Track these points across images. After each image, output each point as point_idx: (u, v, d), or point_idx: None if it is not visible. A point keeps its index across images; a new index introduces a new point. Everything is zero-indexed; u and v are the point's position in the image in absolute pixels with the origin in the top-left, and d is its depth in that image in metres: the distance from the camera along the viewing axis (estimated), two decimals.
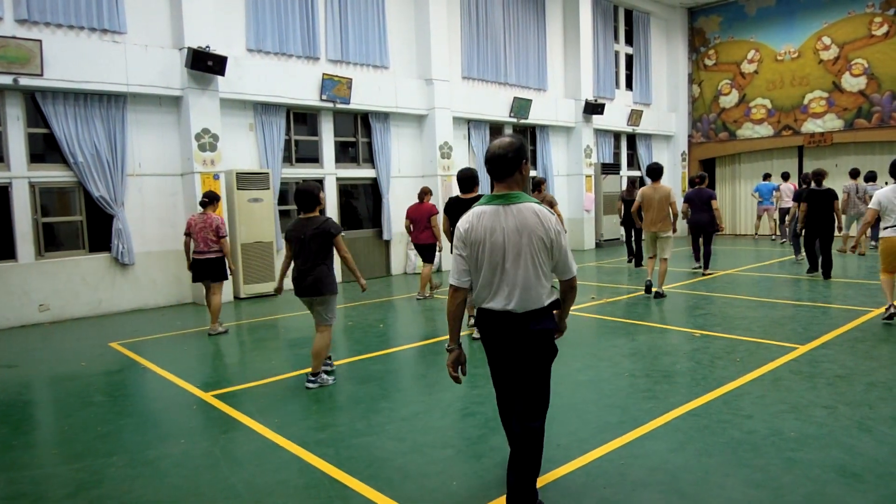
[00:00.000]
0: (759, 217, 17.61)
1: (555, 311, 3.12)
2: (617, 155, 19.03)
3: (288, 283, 6.14)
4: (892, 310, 6.83)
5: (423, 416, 4.62)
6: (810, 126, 17.76)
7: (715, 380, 5.14)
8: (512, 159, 3.00)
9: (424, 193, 10.03)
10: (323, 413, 4.79)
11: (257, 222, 10.72)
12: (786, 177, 15.86)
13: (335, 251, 5.52)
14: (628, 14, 19.10)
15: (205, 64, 9.75)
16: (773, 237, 17.70)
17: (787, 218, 14.55)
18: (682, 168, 20.51)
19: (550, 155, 16.48)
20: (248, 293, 10.63)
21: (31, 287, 9.00)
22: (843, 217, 12.79)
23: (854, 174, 12.99)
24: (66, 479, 3.80)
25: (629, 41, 19.24)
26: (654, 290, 9.21)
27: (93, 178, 9.36)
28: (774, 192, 16.38)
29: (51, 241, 9.45)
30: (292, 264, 5.63)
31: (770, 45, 18.47)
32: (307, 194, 5.48)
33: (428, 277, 9.93)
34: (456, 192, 8.85)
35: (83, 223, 9.64)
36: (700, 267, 11.67)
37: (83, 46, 9.08)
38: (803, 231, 10.70)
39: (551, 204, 10.01)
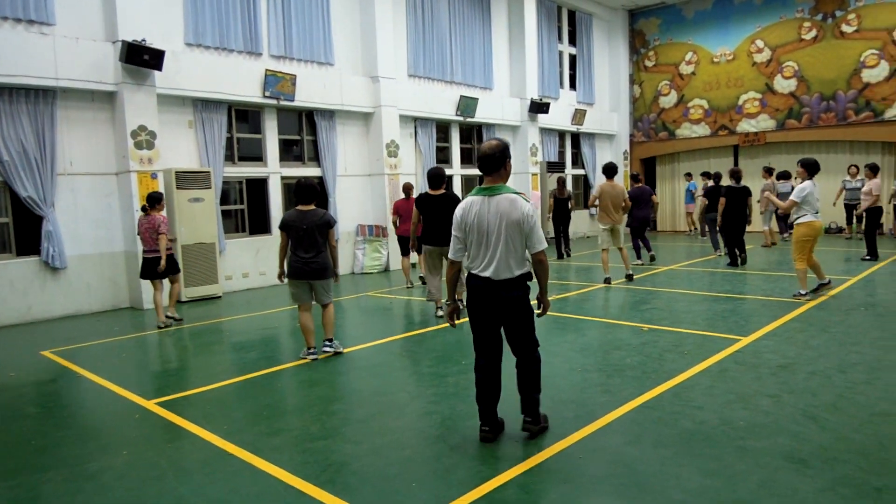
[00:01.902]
0: (689, 214, 18.40)
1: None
2: (562, 154, 19.31)
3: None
4: (804, 294, 8.07)
5: (379, 417, 4.54)
6: (745, 126, 18.43)
7: (665, 372, 5.23)
8: (498, 158, 3.83)
9: (409, 189, 10.81)
10: (274, 417, 4.65)
11: (199, 223, 10.37)
12: (707, 175, 16.47)
13: None
14: (571, 15, 19.40)
15: (140, 58, 9.36)
16: (690, 231, 18.59)
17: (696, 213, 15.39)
18: (625, 167, 20.96)
19: None
20: (189, 296, 10.27)
21: None
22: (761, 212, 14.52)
23: (769, 172, 13.83)
24: (0, 497, 3.56)
25: (572, 41, 19.54)
26: (627, 274, 10.29)
27: (20, 178, 8.86)
28: (693, 191, 17.33)
29: None
30: (290, 252, 6.19)
31: (706, 47, 19.07)
32: (309, 188, 6.13)
33: (408, 268, 10.76)
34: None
35: (10, 225, 9.12)
36: (643, 262, 12.09)
37: (7, 38, 8.56)
38: (721, 225, 11.60)
39: None
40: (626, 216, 10.46)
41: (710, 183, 13.44)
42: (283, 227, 6.13)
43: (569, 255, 14.26)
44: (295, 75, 11.61)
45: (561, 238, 14.24)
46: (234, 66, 10.99)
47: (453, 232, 3.94)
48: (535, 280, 3.97)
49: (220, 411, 4.86)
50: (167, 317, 8.31)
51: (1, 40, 8.48)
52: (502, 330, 3.99)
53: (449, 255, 4.00)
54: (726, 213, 11.31)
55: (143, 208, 8.21)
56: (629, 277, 10.26)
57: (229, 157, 11.40)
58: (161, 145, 10.01)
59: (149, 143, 9.80)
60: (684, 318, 7.33)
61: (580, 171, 20.14)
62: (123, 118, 9.57)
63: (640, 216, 12.04)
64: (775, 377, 4.99)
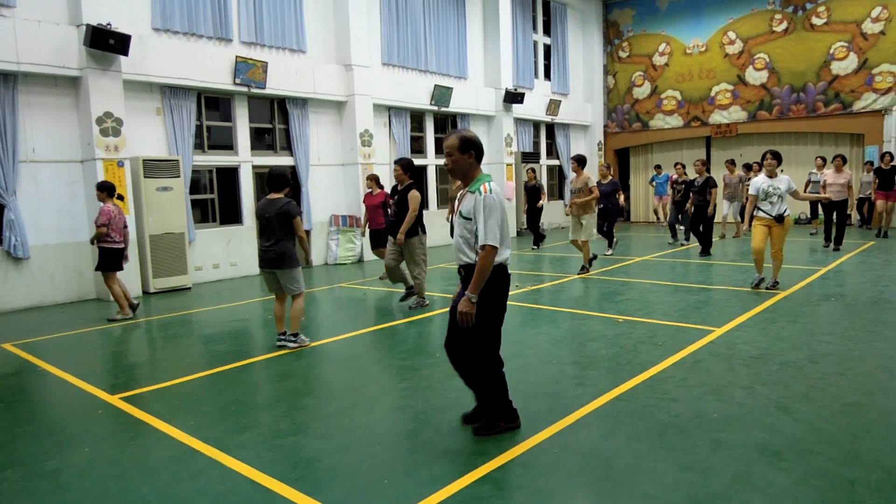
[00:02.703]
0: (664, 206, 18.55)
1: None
2: (537, 144, 19.29)
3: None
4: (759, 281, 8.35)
5: (350, 411, 4.45)
6: (717, 117, 18.59)
7: (639, 364, 5.22)
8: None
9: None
10: (242, 413, 4.53)
11: (167, 212, 10.13)
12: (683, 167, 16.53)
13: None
14: (546, 4, 19.34)
15: (106, 42, 9.07)
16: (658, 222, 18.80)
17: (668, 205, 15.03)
18: (599, 157, 21.03)
19: None
20: (158, 287, 10.05)
21: None
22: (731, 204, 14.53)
23: (735, 165, 14.55)
24: None
25: (547, 31, 19.49)
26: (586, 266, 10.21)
27: None
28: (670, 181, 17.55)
29: None
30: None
31: (679, 38, 19.17)
32: (278, 177, 6.07)
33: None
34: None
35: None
36: (612, 253, 12.44)
37: None
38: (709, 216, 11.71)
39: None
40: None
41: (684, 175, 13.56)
42: (256, 215, 6.24)
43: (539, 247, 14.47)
44: (266, 62, 11.38)
45: (537, 228, 14.57)
46: (204, 53, 10.72)
47: (500, 219, 3.65)
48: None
49: (186, 406, 4.72)
50: (123, 319, 8.07)
51: None
52: None
53: (495, 242, 3.59)
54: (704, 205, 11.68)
55: (120, 196, 8.12)
56: (586, 268, 10.16)
57: (199, 146, 11.15)
58: (128, 133, 9.73)
59: (115, 131, 9.52)
60: (657, 309, 7.35)
61: (555, 162, 20.15)
62: (88, 104, 9.29)
63: (616, 206, 12.35)
64: (748, 368, 5.01)
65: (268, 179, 6.13)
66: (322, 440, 3.95)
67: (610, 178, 12.29)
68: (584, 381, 4.87)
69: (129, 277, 9.73)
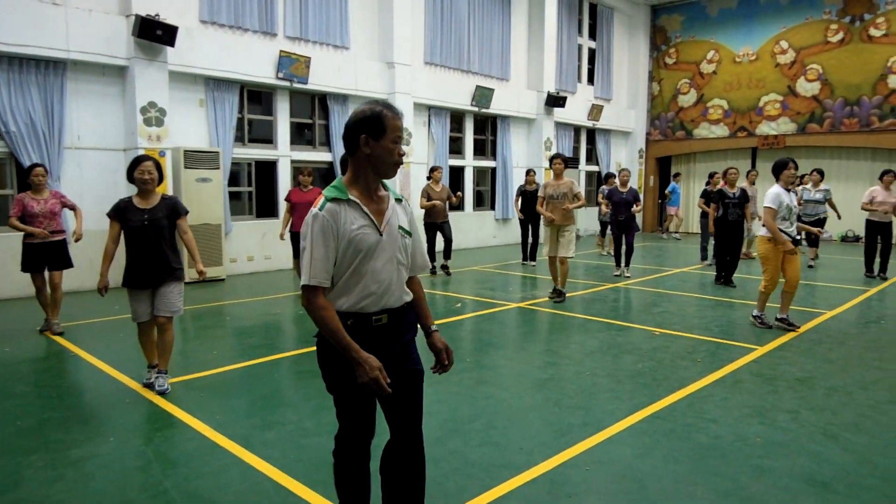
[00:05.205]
0: (671, 217, 18.17)
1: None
2: (576, 149, 19.02)
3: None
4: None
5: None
6: (764, 128, 18.07)
7: (677, 380, 5.02)
8: (349, 132, 2.39)
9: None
10: (270, 410, 4.47)
11: (205, 203, 10.20)
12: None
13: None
14: (592, 8, 19.05)
15: (153, 33, 9.18)
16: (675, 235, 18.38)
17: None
18: (640, 165, 20.66)
19: (510, 146, 16.32)
20: (192, 277, 10.09)
21: None
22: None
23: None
24: None
25: (592, 35, 19.21)
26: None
27: (26, 150, 8.72)
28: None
29: None
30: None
31: (729, 46, 18.69)
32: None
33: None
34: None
35: (13, 197, 8.98)
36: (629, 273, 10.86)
37: (18, 7, 8.39)
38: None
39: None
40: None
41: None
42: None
43: (534, 260, 12.27)
44: (309, 57, 11.40)
45: (528, 240, 12.34)
46: (249, 46, 10.79)
47: None
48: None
49: (214, 400, 4.69)
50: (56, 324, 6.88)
51: (12, 10, 8.32)
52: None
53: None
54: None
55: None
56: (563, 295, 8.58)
57: (239, 139, 11.22)
58: (171, 123, 9.84)
59: (158, 121, 9.63)
60: (697, 324, 7.10)
61: (594, 168, 19.84)
62: (134, 94, 9.41)
63: (634, 218, 10.80)
64: (793, 391, 4.77)
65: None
66: None
67: (630, 186, 10.81)
68: (619, 395, 4.69)
69: None
